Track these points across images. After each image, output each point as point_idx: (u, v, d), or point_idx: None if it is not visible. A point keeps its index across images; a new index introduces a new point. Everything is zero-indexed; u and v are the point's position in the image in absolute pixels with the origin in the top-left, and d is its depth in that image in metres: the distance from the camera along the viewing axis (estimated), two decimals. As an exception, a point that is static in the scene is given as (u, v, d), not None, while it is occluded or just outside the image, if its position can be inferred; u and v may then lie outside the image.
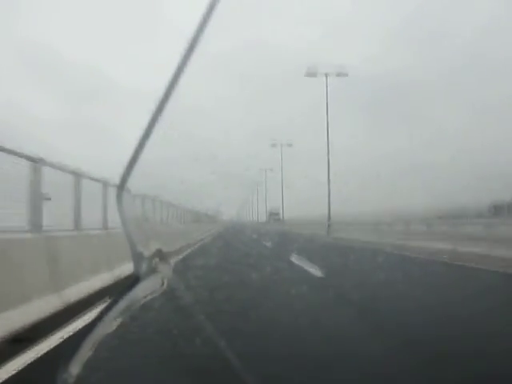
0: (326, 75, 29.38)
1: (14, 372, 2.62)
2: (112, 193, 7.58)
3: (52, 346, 3.25)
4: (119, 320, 1.07)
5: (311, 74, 29.57)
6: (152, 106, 1.03)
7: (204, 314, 1.45)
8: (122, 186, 1.09)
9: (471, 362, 2.93)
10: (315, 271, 8.32)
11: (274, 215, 67.79)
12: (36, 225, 4.88)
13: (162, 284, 1.20)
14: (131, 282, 1.07)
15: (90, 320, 1.05)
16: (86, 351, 1.01)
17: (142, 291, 1.09)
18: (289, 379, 2.63)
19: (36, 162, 4.97)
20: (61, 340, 3.40)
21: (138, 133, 1.03)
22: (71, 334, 3.54)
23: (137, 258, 1.09)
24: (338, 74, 29.39)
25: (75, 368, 0.99)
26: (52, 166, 5.42)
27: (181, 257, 11.63)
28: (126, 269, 6.30)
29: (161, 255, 1.20)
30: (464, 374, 2.70)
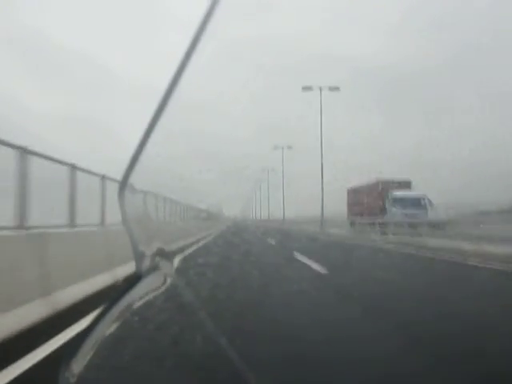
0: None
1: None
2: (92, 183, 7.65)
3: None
4: (120, 319, 1.06)
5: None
6: (154, 103, 1.01)
7: (206, 314, 1.42)
8: (124, 183, 1.06)
9: None
10: None
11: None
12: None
13: (164, 283, 1.18)
14: (132, 282, 1.05)
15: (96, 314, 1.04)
16: (87, 350, 1.00)
17: (143, 292, 1.07)
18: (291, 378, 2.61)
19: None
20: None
21: (140, 129, 1.01)
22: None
23: (138, 257, 1.07)
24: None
25: (77, 366, 0.98)
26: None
27: (182, 257, 11.57)
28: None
29: (162, 254, 1.18)
30: None
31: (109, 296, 1.08)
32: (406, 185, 26.72)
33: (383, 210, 25.14)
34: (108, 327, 1.04)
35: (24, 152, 4.80)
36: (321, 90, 31.55)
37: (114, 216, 7.82)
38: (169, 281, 1.17)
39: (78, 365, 0.98)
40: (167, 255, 1.21)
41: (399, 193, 25.02)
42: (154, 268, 1.13)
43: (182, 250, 12.07)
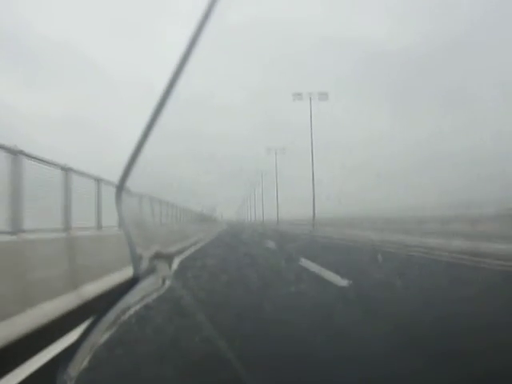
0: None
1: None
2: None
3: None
4: (118, 322, 1.05)
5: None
6: (151, 104, 1.00)
7: (204, 315, 1.42)
8: (121, 186, 1.06)
9: None
10: None
11: None
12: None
13: (162, 285, 1.17)
14: (129, 285, 1.05)
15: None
16: (84, 353, 0.99)
17: (141, 294, 1.07)
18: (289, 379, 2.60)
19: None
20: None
21: (136, 131, 1.01)
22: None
23: (136, 260, 1.07)
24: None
25: (74, 370, 0.98)
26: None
27: (180, 259, 11.56)
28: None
29: (160, 257, 1.18)
30: None
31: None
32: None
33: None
34: (105, 330, 1.03)
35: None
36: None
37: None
38: (167, 283, 1.17)
39: (75, 368, 0.97)
40: (165, 258, 1.21)
41: None
42: (151, 271, 1.13)
43: (177, 253, 12.42)
